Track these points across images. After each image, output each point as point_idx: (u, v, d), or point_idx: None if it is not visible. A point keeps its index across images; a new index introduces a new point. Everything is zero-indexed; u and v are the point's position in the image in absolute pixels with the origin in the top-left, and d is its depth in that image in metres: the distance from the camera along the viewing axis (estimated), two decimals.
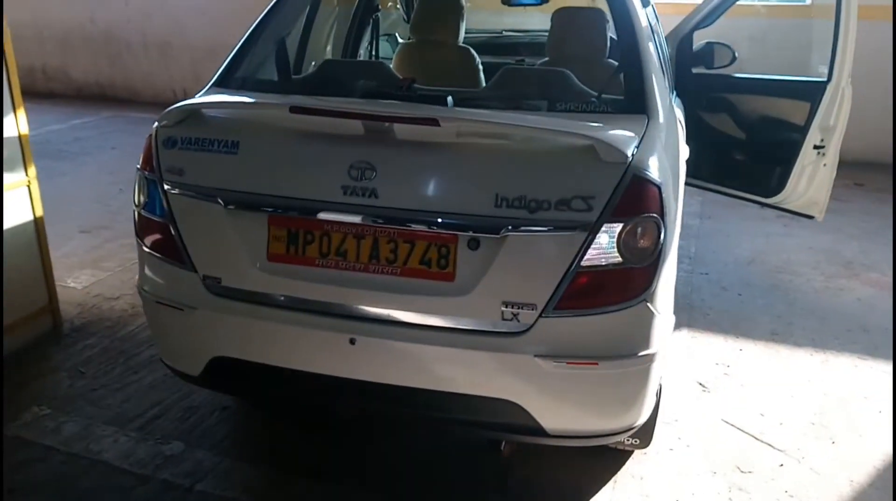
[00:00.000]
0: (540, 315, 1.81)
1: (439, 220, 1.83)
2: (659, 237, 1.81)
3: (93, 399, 2.78)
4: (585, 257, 1.77)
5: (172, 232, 2.03)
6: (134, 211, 2.17)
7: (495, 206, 1.78)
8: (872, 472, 2.45)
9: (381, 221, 1.86)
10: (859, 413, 2.79)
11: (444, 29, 3.18)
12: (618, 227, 1.76)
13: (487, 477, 2.38)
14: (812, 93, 3.46)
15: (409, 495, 2.31)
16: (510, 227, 1.77)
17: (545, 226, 1.77)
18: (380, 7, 3.84)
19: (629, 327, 1.85)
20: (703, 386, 2.94)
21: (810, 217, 3.72)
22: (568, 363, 1.82)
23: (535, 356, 1.82)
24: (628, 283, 1.81)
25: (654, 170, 1.82)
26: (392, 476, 2.39)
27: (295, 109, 1.86)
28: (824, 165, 3.56)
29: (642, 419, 2.01)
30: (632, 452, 2.49)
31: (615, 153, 1.77)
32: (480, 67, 3.11)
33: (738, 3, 3.70)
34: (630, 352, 1.85)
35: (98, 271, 3.92)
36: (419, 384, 1.94)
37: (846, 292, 3.88)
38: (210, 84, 2.37)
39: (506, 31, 4.81)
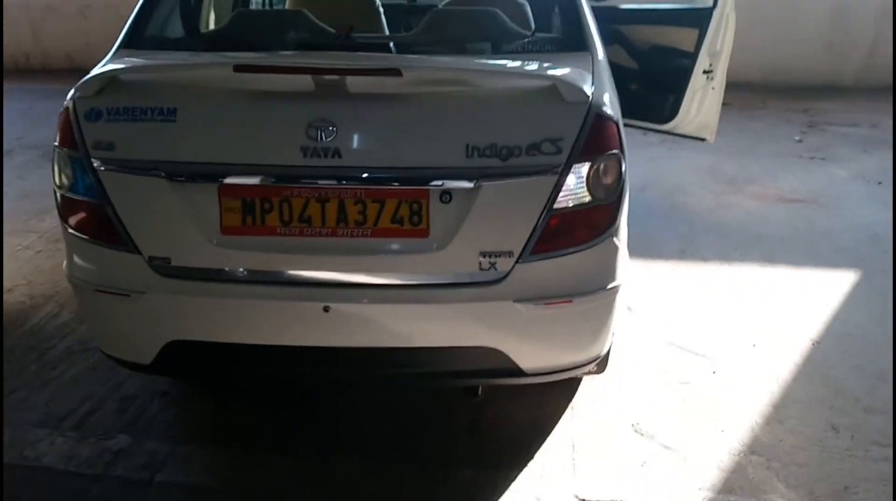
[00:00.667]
0: (517, 261, 1.83)
1: (409, 176, 1.78)
2: (621, 173, 1.86)
3: (12, 403, 2.54)
4: (558, 200, 1.79)
5: (108, 213, 1.86)
6: (56, 193, 1.96)
7: (467, 156, 1.76)
8: (794, 368, 2.70)
9: (346, 181, 1.79)
10: (771, 312, 3.06)
11: None
12: (585, 166, 1.80)
13: (459, 422, 2.41)
14: (699, 19, 3.62)
15: (386, 452, 2.30)
16: (484, 177, 1.76)
17: (518, 172, 1.77)
18: None
19: (599, 263, 1.91)
20: (630, 309, 3.10)
21: (703, 139, 3.95)
22: (546, 304, 1.86)
23: (514, 301, 1.85)
24: (597, 220, 1.86)
25: (610, 107, 1.86)
26: (364, 437, 2.37)
27: (240, 68, 1.73)
28: (713, 88, 3.77)
29: (607, 347, 2.11)
30: (581, 379, 2.60)
31: (577, 93, 1.78)
32: (381, 9, 3.00)
33: None
34: (600, 286, 1.92)
35: None
36: (400, 343, 1.92)
37: (735, 206, 4.19)
38: (117, 46, 2.15)
39: None
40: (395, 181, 1.79)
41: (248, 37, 2.26)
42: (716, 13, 3.56)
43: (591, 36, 2.13)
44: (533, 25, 2.23)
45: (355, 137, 1.77)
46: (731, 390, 2.58)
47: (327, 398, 2.53)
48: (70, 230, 1.95)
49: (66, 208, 1.94)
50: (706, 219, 4.02)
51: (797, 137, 5.40)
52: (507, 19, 2.26)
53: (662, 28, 3.79)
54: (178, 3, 2.35)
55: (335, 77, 1.78)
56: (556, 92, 1.78)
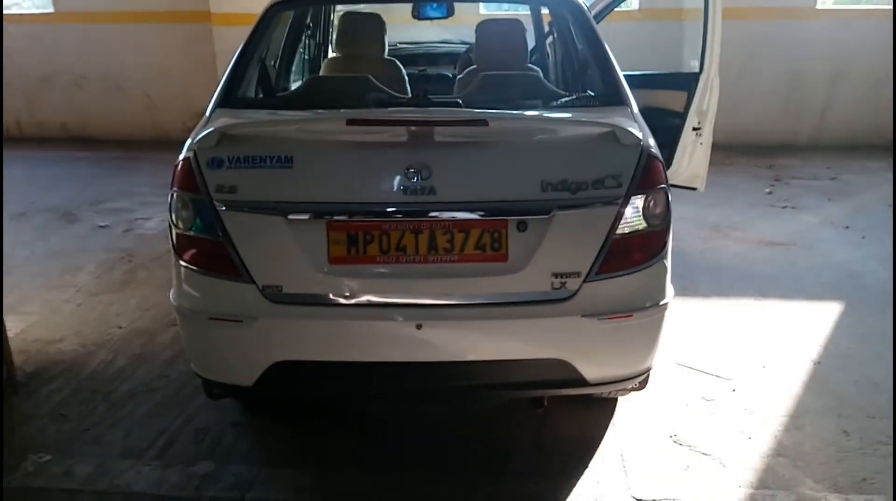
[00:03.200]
0: (584, 281, 2.13)
1: (492, 208, 2.09)
2: (668, 204, 2.20)
3: (90, 439, 2.69)
4: (619, 227, 2.12)
5: (226, 248, 2.11)
6: (171, 232, 2.21)
7: (542, 191, 2.08)
8: (802, 384, 3.03)
9: (437, 215, 2.08)
10: (774, 338, 3.40)
11: (371, 43, 3.42)
12: (640, 198, 2.13)
13: (518, 436, 2.66)
14: (688, 83, 4.09)
15: (454, 464, 2.53)
16: (557, 207, 2.07)
17: (585, 203, 2.09)
18: (310, 28, 3.99)
19: (653, 281, 2.22)
20: None
21: (694, 189, 4.36)
22: (609, 318, 2.16)
23: (582, 316, 2.14)
24: (651, 245, 2.19)
25: (655, 148, 2.21)
26: (432, 450, 2.59)
27: (352, 121, 2.04)
28: (701, 143, 4.21)
29: (654, 361, 2.40)
30: (618, 398, 2.88)
31: (631, 137, 2.14)
32: (406, 77, 3.38)
33: (615, 9, 4.26)
34: (654, 302, 2.23)
35: (23, 315, 3.66)
36: (482, 356, 2.19)
37: (723, 249, 4.59)
38: (214, 106, 2.43)
39: (400, 43, 5.08)
40: (480, 213, 2.09)
41: (322, 98, 2.59)
42: (702, 77, 4.03)
43: (626, 93, 2.50)
44: (568, 86, 2.60)
45: (448, 177, 2.08)
46: (751, 404, 2.89)
47: (392, 414, 2.76)
48: (185, 265, 2.19)
49: (182, 245, 2.18)
50: (699, 260, 4.40)
51: (767, 190, 5.89)
52: (546, 81, 2.64)
53: (655, 92, 4.24)
54: (258, 69, 2.66)
55: (429, 128, 2.10)
56: (614, 136, 2.13)
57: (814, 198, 5.67)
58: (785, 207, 5.47)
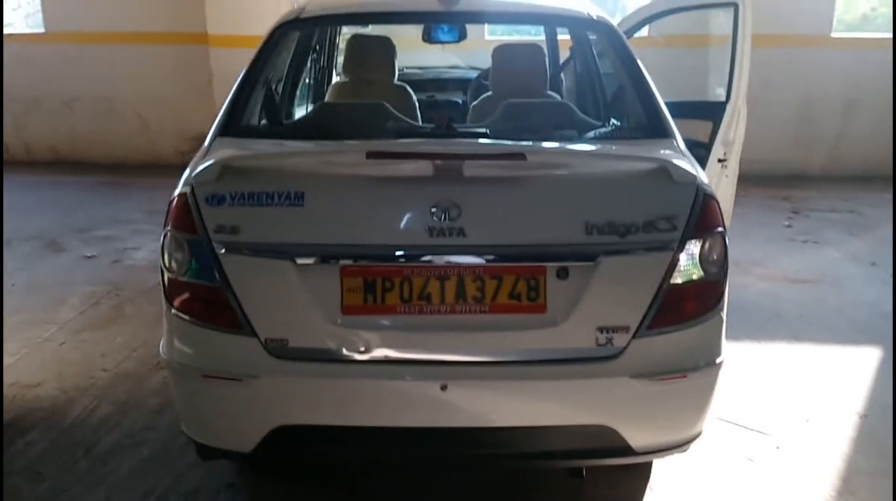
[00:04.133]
0: (633, 337, 1.87)
1: (531, 253, 1.84)
2: (726, 249, 1.95)
3: None
4: (673, 275, 1.86)
5: (225, 295, 1.85)
6: (163, 277, 1.94)
7: (586, 234, 1.83)
8: (849, 440, 2.77)
9: (468, 259, 1.83)
10: (814, 388, 3.14)
11: (381, 68, 3.20)
12: (698, 243, 1.88)
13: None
14: (714, 112, 3.86)
15: None
16: (603, 253, 1.82)
17: (636, 248, 1.84)
18: (315, 50, 3.77)
19: (709, 337, 1.97)
20: None
21: None
22: (661, 379, 1.90)
23: (631, 377, 1.88)
24: (708, 295, 1.93)
25: (711, 187, 1.97)
26: None
27: (372, 154, 1.79)
28: (726, 176, 3.98)
29: (705, 425, 2.13)
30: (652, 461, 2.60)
31: (686, 174, 1.89)
32: (417, 103, 3.15)
33: (636, 35, 4.06)
34: (711, 361, 1.97)
35: None
36: (517, 422, 1.92)
37: (749, 287, 4.35)
38: (214, 134, 2.18)
39: (406, 68, 4.86)
40: (518, 258, 1.84)
41: (334, 127, 2.34)
42: (729, 107, 3.81)
43: (671, 124, 2.27)
44: (591, 115, 2.36)
45: (480, 217, 1.82)
46: (797, 464, 2.62)
47: (407, 478, 2.47)
48: (177, 314, 1.92)
49: (174, 292, 1.92)
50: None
51: (786, 223, 5.67)
52: (577, 110, 2.40)
53: (680, 121, 4.02)
54: (262, 95, 2.42)
55: (458, 162, 1.85)
56: (667, 173, 1.88)
57: (835, 232, 5.45)
58: (806, 241, 5.24)
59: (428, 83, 4.70)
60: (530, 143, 2.01)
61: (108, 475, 2.54)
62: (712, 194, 1.94)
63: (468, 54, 5.60)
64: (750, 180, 6.63)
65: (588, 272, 1.84)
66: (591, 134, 2.24)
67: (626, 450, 1.96)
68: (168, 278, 1.93)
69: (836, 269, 4.66)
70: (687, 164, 1.95)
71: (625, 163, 1.98)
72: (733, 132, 3.86)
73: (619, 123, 2.43)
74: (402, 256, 1.83)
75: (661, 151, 2.03)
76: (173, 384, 2.04)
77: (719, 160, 3.91)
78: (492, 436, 1.93)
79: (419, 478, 2.49)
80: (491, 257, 1.83)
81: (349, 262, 1.83)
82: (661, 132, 2.24)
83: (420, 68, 5.03)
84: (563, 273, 1.85)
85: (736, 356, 3.40)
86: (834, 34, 6.93)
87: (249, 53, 2.43)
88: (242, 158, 1.94)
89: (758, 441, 2.77)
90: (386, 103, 2.40)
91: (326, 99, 3.36)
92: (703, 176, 1.98)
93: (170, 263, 1.91)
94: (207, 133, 2.20)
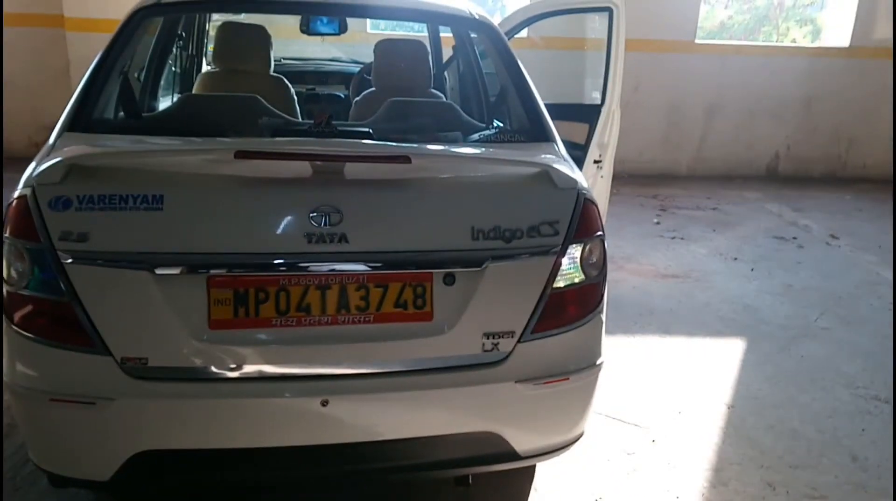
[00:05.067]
0: (518, 341, 1.85)
1: (417, 259, 1.76)
2: (605, 253, 1.96)
3: None
4: (556, 279, 1.85)
5: (74, 310, 1.65)
6: (1, 290, 1.71)
7: (472, 239, 1.78)
8: (719, 431, 2.89)
9: (350, 266, 1.73)
10: (685, 380, 3.27)
11: (254, 58, 3.04)
12: (578, 248, 1.88)
13: None
14: (590, 115, 3.95)
15: None
16: (490, 258, 1.78)
17: (521, 253, 1.81)
18: (182, 38, 3.50)
19: (589, 339, 1.97)
20: None
21: None
22: (545, 382, 1.89)
23: (516, 382, 1.85)
24: (589, 298, 1.94)
25: (591, 192, 1.97)
26: None
27: (241, 154, 1.65)
28: (602, 176, 4.08)
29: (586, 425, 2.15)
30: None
31: (567, 180, 1.89)
32: (295, 97, 3.01)
33: (515, 36, 4.08)
34: (591, 362, 1.98)
35: None
36: (401, 434, 1.84)
37: (621, 282, 4.49)
38: (60, 129, 1.96)
39: (283, 58, 4.67)
40: (403, 265, 1.76)
41: (200, 122, 2.17)
42: (604, 109, 3.90)
43: (552, 128, 2.26)
44: (473, 117, 2.33)
45: (363, 222, 1.73)
46: (673, 457, 2.71)
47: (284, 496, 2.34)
48: (17, 331, 1.70)
49: (14, 307, 1.70)
50: None
51: (655, 220, 5.94)
52: (461, 112, 2.35)
53: (558, 123, 4.08)
54: (118, 84, 2.20)
55: (337, 163, 1.75)
56: (549, 178, 1.87)
57: (700, 228, 5.76)
58: (674, 237, 5.50)
59: (308, 75, 4.53)
60: (415, 145, 1.94)
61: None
62: (593, 200, 1.94)
63: (350, 47, 5.47)
64: (622, 180, 6.94)
65: (475, 278, 1.79)
66: (475, 137, 2.20)
67: (512, 455, 1.94)
68: (7, 290, 1.70)
69: (702, 264, 4.91)
70: (568, 169, 1.95)
71: (509, 168, 1.94)
72: (608, 135, 3.95)
73: (501, 125, 2.40)
74: (279, 264, 1.70)
75: (543, 156, 2.01)
76: (16, 409, 1.81)
77: (595, 161, 4.00)
78: (378, 450, 1.85)
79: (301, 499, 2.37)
80: (376, 264, 1.75)
81: (217, 272, 1.68)
82: (542, 136, 2.23)
83: (299, 59, 4.84)
84: (449, 279, 1.79)
85: (611, 350, 3.49)
86: (697, 41, 7.33)
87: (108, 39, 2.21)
88: (91, 157, 1.74)
89: (635, 434, 2.84)
90: (259, 97, 2.25)
91: (193, 90, 3.14)
92: (583, 181, 1.98)
93: (9, 274, 1.69)
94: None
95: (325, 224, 1.69)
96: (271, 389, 1.74)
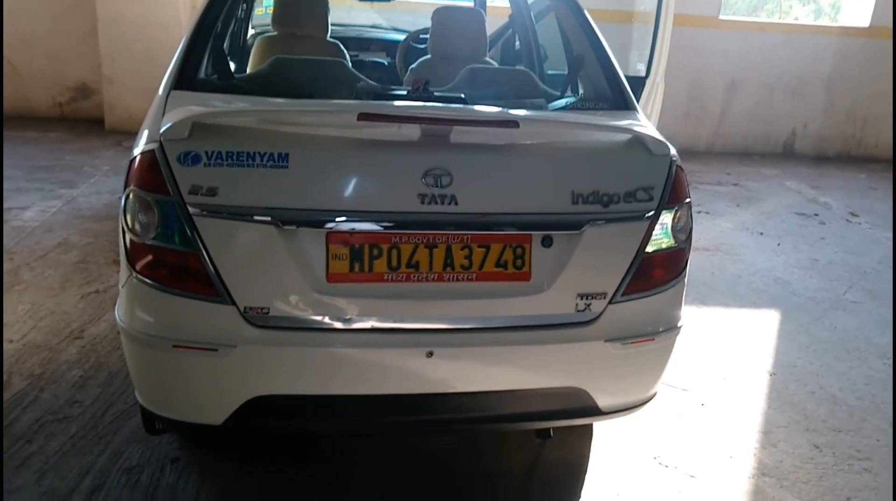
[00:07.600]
0: (609, 302, 1.94)
1: (518, 221, 1.85)
2: (691, 220, 2.05)
3: None
4: (648, 244, 1.94)
5: (200, 261, 1.73)
6: (126, 240, 1.79)
7: (572, 203, 1.86)
8: (764, 397, 3.02)
9: (457, 227, 1.82)
10: (726, 349, 3.39)
11: (312, 23, 3.08)
12: (670, 214, 1.97)
13: (513, 466, 2.44)
14: (634, 87, 3.99)
15: (441, 495, 2.27)
16: (589, 222, 1.86)
17: (617, 218, 1.90)
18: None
19: (673, 302, 2.07)
20: None
21: None
22: (632, 343, 1.98)
23: (605, 341, 1.95)
24: (676, 263, 2.03)
25: (680, 160, 2.06)
26: (416, 487, 2.32)
27: (363, 116, 1.72)
28: None
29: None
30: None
31: (662, 146, 1.97)
32: (350, 63, 3.06)
33: None
34: (673, 324, 2.08)
35: None
36: (496, 386, 1.94)
37: None
38: (166, 86, 2.02)
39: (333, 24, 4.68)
40: (505, 226, 1.84)
41: (291, 83, 2.23)
42: (648, 81, 3.98)
43: (632, 96, 2.33)
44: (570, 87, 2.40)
45: (470, 185, 1.81)
46: (723, 420, 2.83)
47: (365, 445, 2.45)
48: (141, 280, 1.78)
49: (139, 256, 1.78)
50: None
51: None
52: (537, 80, 2.41)
53: None
54: (210, 46, 2.26)
55: (444, 127, 1.82)
56: (644, 145, 1.95)
57: (723, 203, 5.85)
58: (700, 212, 5.58)
59: (350, 41, 4.55)
60: (525, 112, 2.01)
61: (36, 453, 2.34)
62: (682, 167, 2.02)
63: (394, 14, 5.45)
64: None
65: (572, 241, 1.88)
66: (560, 103, 2.27)
67: (595, 410, 2.05)
68: (130, 240, 1.78)
69: (729, 238, 5.01)
70: (661, 136, 2.03)
71: (607, 134, 2.02)
72: (651, 106, 4.03)
73: (579, 94, 2.46)
74: (392, 223, 1.79)
75: (632, 123, 2.09)
76: (132, 355, 1.90)
77: None
78: (473, 400, 1.95)
79: (372, 449, 2.47)
80: (479, 225, 1.83)
81: (336, 228, 1.76)
82: (623, 104, 2.30)
83: (340, 25, 4.86)
84: (547, 241, 1.88)
85: None
86: (722, 16, 7.35)
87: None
88: (216, 115, 1.81)
89: (684, 398, 2.96)
90: (343, 62, 2.31)
91: (253, 54, 3.18)
92: (674, 150, 2.06)
93: (133, 225, 1.77)
94: (161, 86, 2.03)
95: (437, 185, 1.77)
96: (381, 340, 1.83)
